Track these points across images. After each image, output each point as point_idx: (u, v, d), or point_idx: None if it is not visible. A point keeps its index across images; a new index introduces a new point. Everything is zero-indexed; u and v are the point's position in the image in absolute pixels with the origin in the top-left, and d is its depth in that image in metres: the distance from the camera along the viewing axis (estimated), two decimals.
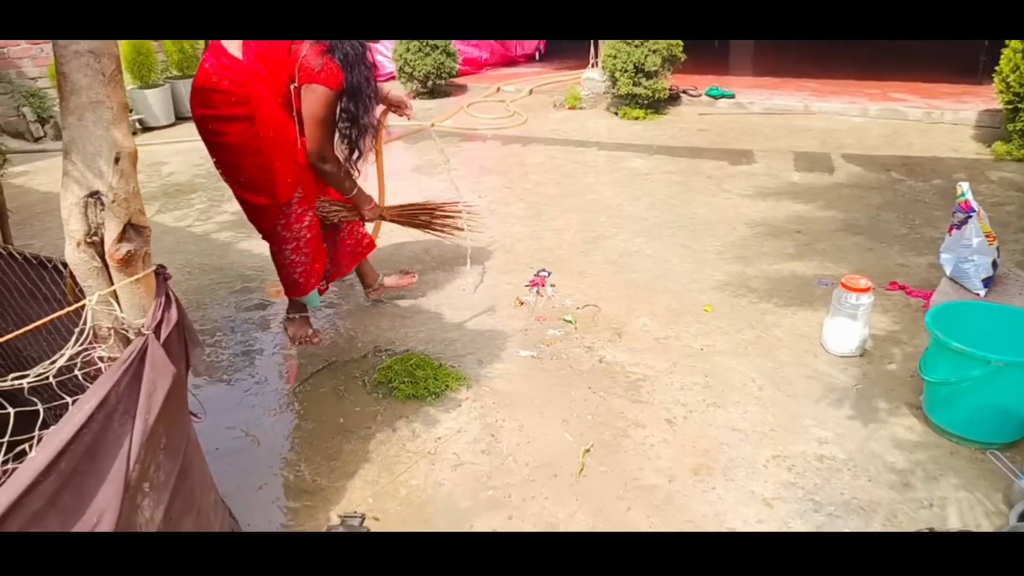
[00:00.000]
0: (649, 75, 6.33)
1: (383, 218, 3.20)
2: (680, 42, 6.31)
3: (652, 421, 2.51)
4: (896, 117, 5.90)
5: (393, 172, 5.33)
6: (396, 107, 3.13)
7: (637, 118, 6.50)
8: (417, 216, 3.36)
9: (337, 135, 2.79)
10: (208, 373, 2.92)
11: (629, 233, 4.07)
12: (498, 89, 7.84)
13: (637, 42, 6.25)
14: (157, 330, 1.57)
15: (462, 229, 3.38)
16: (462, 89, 7.99)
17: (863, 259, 3.58)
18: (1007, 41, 4.69)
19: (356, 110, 2.72)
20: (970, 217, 3.04)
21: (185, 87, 7.10)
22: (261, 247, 4.08)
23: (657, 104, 6.58)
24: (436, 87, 7.69)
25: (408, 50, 7.36)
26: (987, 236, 3.03)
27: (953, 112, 5.73)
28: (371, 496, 2.23)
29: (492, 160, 5.60)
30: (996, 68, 4.80)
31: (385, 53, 8.33)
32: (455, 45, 7.69)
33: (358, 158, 2.89)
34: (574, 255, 3.84)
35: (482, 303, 3.37)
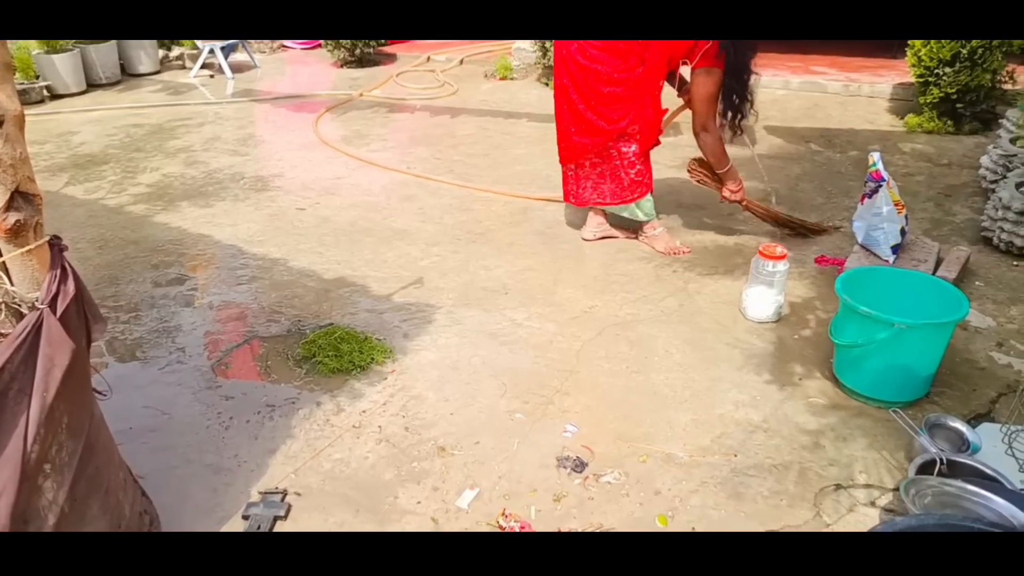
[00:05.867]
0: None
1: (740, 203, 3.51)
2: None
3: (577, 389, 2.54)
4: (817, 90, 6.05)
5: (321, 142, 5.22)
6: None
7: None
8: (778, 220, 3.61)
9: (723, 106, 3.28)
10: (123, 351, 2.81)
11: (558, 204, 4.08)
12: (428, 58, 7.70)
13: None
14: (53, 304, 1.50)
15: (825, 230, 3.63)
16: (391, 58, 7.82)
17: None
18: None
19: (738, 85, 3.20)
20: (880, 186, 3.16)
21: (97, 52, 6.74)
22: (178, 220, 3.96)
23: None
24: (364, 56, 7.51)
25: None
26: (896, 205, 3.15)
27: (870, 85, 5.91)
28: (293, 472, 2.19)
29: (421, 131, 5.52)
30: (909, 43, 4.96)
31: None
32: None
33: (741, 121, 3.30)
34: (503, 226, 3.83)
35: (410, 276, 3.33)
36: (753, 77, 3.26)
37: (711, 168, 3.46)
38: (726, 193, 3.45)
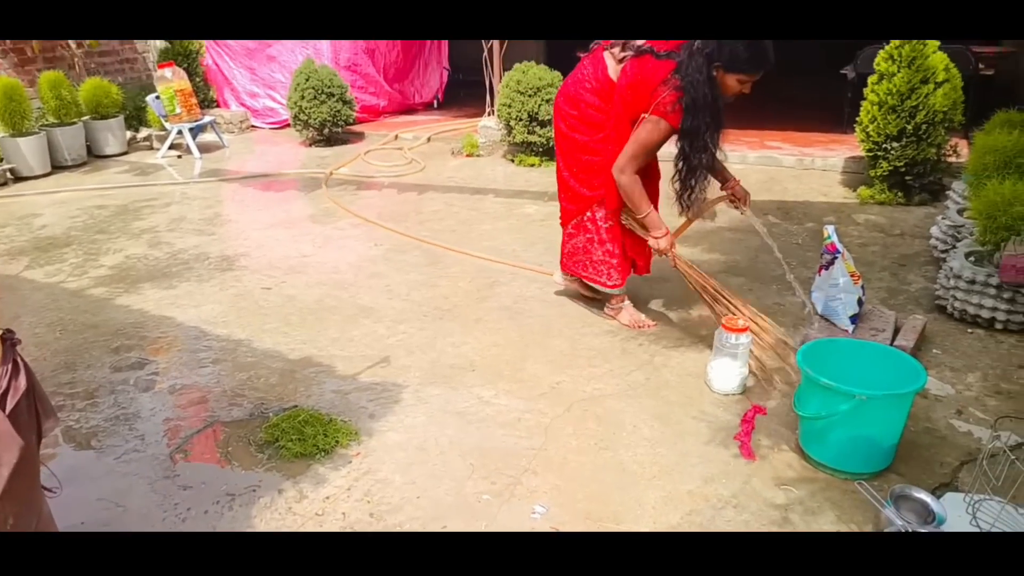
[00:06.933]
0: (543, 123, 6.50)
1: (664, 255, 3.29)
2: None
3: (545, 468, 2.51)
4: (773, 164, 6.27)
5: (290, 221, 5.25)
6: (734, 199, 3.37)
7: (533, 165, 6.64)
8: (703, 290, 3.28)
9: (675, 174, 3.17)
10: (79, 440, 2.73)
11: (525, 279, 4.12)
12: (396, 136, 7.86)
13: (531, 91, 6.42)
14: (2, 400, 1.46)
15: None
16: (360, 137, 7.96)
17: (744, 299, 3.74)
18: (865, 94, 5.10)
19: (690, 149, 3.06)
20: (836, 258, 3.25)
21: (63, 134, 6.77)
22: (140, 302, 3.92)
23: (552, 151, 6.72)
24: (333, 135, 7.63)
25: (303, 98, 7.29)
26: (852, 275, 3.23)
27: (823, 159, 6.15)
28: None
29: (389, 208, 5.58)
30: (857, 119, 5.19)
31: (280, 100, 8.23)
32: (352, 93, 7.68)
33: (689, 195, 3.17)
34: (470, 302, 3.84)
35: (376, 354, 3.31)
36: (713, 153, 3.15)
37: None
38: (651, 242, 3.26)
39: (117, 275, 4.30)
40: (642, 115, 3.07)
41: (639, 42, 3.09)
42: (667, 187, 3.29)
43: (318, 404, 2.91)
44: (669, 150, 3.16)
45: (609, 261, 3.43)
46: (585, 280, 3.56)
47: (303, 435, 2.66)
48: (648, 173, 3.33)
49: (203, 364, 3.26)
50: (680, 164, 3.14)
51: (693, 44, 2.95)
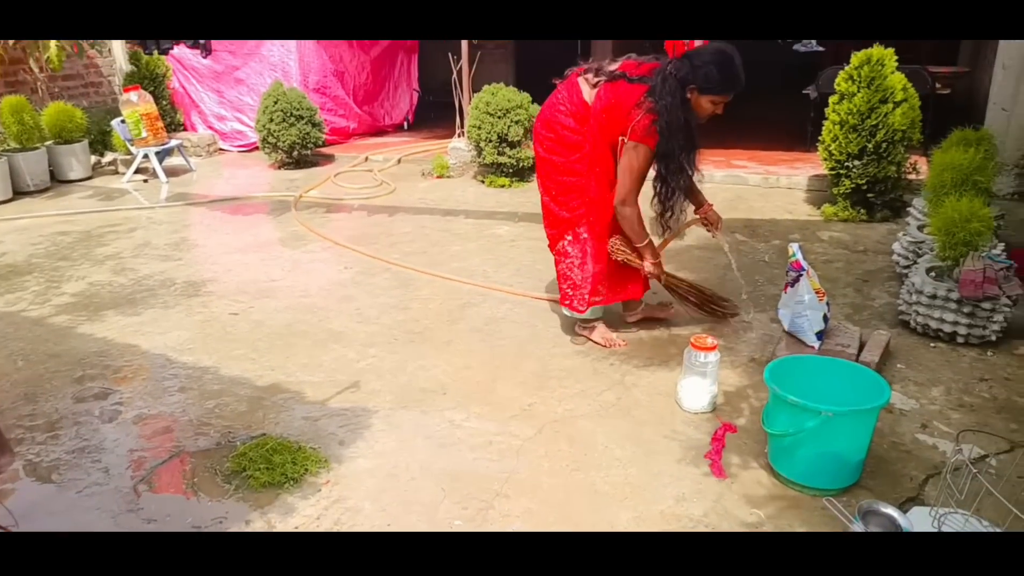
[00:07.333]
0: (513, 144, 6.55)
1: (659, 279, 3.47)
2: None
3: (517, 491, 2.50)
4: (739, 183, 6.37)
5: (259, 244, 5.20)
6: (707, 223, 3.50)
7: (503, 186, 6.67)
8: (691, 294, 3.62)
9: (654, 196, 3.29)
10: (39, 474, 2.66)
11: (496, 300, 4.12)
12: (366, 158, 7.85)
13: (500, 113, 6.46)
14: None
15: (735, 314, 3.71)
16: (329, 159, 7.94)
17: (713, 317, 3.78)
18: (826, 113, 5.21)
19: (667, 172, 3.17)
20: (801, 275, 3.30)
21: (26, 160, 6.65)
22: (104, 330, 3.84)
23: (522, 172, 6.79)
24: (302, 157, 7.60)
25: (272, 120, 7.26)
26: (817, 292, 3.29)
27: (787, 177, 6.26)
28: None
29: (359, 230, 5.56)
30: (820, 138, 5.30)
31: (248, 123, 8.19)
32: (321, 115, 7.67)
33: (669, 217, 3.32)
34: (441, 324, 3.83)
35: (346, 379, 3.28)
36: (690, 174, 3.26)
37: (630, 243, 3.41)
38: (647, 267, 3.39)
39: (80, 303, 4.22)
40: (620, 138, 3.14)
41: (612, 68, 3.17)
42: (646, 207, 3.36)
43: (287, 431, 2.87)
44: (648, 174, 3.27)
45: (586, 284, 3.41)
46: (561, 304, 3.56)
47: (271, 464, 2.62)
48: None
49: (169, 392, 3.20)
50: (658, 186, 3.24)
51: (666, 68, 3.03)
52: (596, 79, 3.18)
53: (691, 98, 3.03)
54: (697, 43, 3.50)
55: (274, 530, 2.34)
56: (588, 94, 3.19)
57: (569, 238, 3.39)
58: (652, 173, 3.26)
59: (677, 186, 3.24)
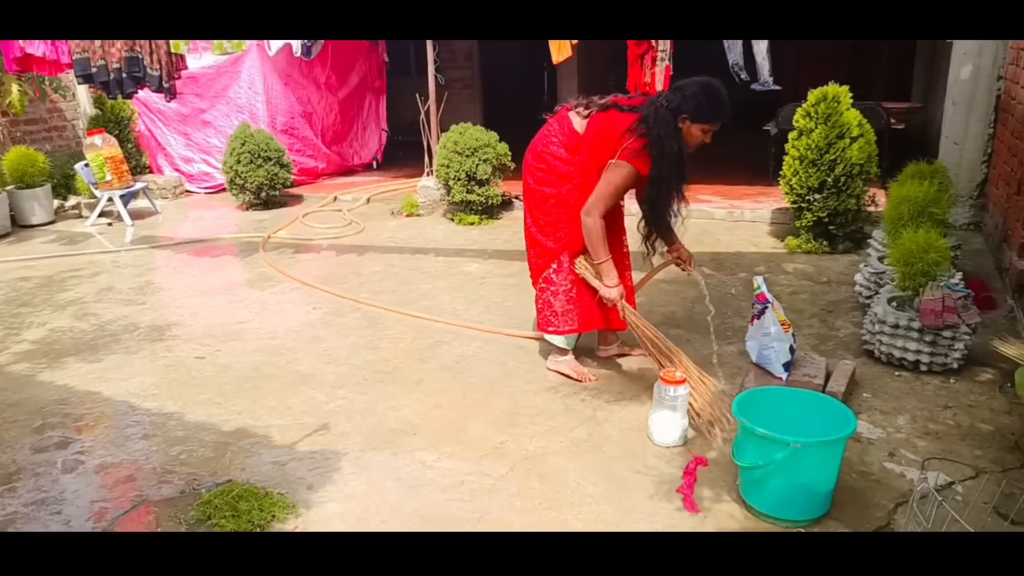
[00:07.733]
0: (481, 183, 6.60)
1: (615, 305, 3.34)
2: (508, 152, 6.65)
3: (490, 531, 2.46)
4: (705, 217, 6.47)
5: (226, 287, 5.14)
6: (680, 261, 3.51)
7: (472, 223, 6.70)
8: (645, 339, 3.32)
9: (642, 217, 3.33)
10: None
11: (466, 338, 4.11)
12: (335, 198, 7.84)
13: (468, 151, 6.52)
14: None
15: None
16: (298, 199, 7.92)
17: (682, 350, 3.80)
18: (787, 148, 5.34)
19: (657, 196, 3.18)
20: (766, 308, 3.34)
21: None
22: (65, 377, 3.75)
23: (491, 210, 6.84)
24: (270, 198, 7.58)
25: (239, 162, 7.24)
26: (783, 324, 3.33)
27: (752, 211, 6.38)
28: None
29: (328, 270, 5.53)
30: (781, 172, 5.42)
31: (215, 164, 8.15)
32: (289, 156, 7.67)
33: (654, 240, 3.38)
34: (411, 363, 3.81)
35: (315, 422, 3.23)
36: (679, 200, 3.23)
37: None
38: (602, 291, 3.30)
39: (40, 350, 4.13)
40: (609, 161, 3.18)
41: (602, 101, 3.28)
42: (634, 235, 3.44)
43: (253, 477, 2.82)
44: (635, 206, 3.34)
45: (568, 309, 3.45)
46: (543, 333, 3.57)
47: (237, 511, 2.56)
48: (613, 225, 3.42)
49: (131, 440, 3.13)
50: (646, 209, 3.30)
51: (658, 99, 3.13)
52: (587, 111, 3.27)
53: (683, 127, 3.10)
54: (659, 43, 3.56)
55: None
56: (579, 124, 3.28)
57: (554, 266, 3.44)
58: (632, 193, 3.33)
59: (666, 209, 3.24)
